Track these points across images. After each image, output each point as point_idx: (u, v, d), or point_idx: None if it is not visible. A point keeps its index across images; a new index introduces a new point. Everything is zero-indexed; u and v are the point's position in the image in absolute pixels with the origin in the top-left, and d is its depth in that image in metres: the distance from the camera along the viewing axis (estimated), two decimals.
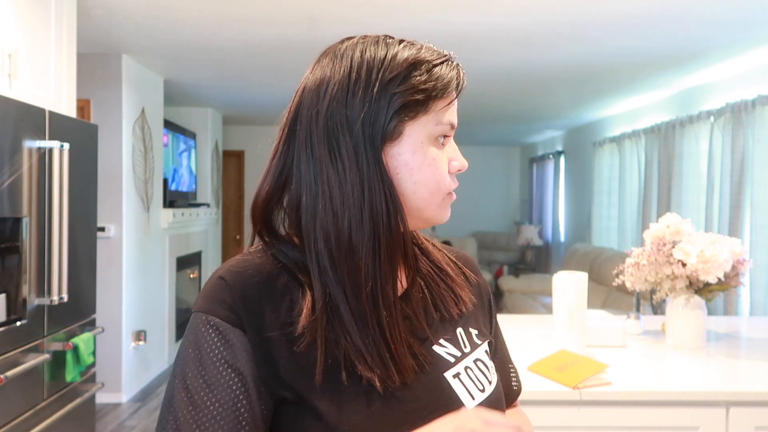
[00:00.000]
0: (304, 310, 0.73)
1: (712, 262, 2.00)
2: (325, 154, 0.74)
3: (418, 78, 0.75)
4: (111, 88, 4.21)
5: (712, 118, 4.33)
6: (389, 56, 0.76)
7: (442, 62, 0.78)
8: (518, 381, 1.00)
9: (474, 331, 0.87)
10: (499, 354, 0.96)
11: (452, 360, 0.80)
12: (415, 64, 0.76)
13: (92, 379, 2.79)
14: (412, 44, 0.79)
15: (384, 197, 0.74)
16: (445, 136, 0.79)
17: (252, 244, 0.82)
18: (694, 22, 3.24)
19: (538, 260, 8.86)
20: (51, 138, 2.39)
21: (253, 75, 4.73)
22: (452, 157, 0.80)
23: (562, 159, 8.07)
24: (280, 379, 0.72)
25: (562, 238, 8.06)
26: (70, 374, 2.53)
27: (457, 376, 0.79)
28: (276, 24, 3.38)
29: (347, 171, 0.73)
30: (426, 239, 0.91)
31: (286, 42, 3.70)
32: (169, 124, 5.34)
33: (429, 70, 0.76)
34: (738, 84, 4.20)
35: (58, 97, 2.74)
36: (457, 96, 0.79)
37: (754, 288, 3.81)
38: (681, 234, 2.13)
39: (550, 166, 8.43)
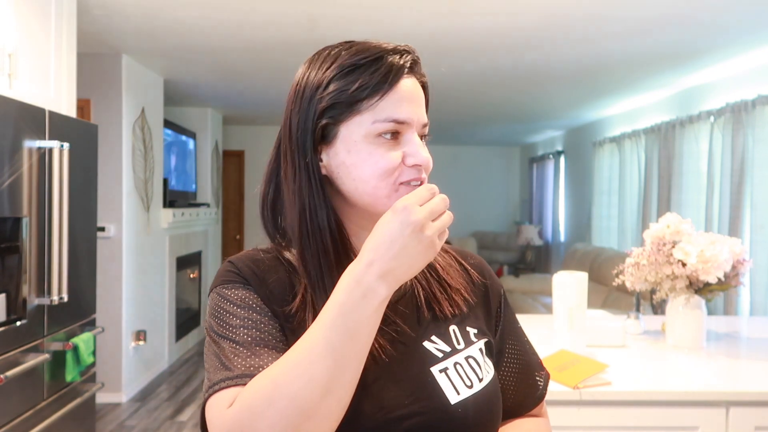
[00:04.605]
0: (299, 295, 0.81)
1: (712, 262, 2.00)
2: (284, 160, 0.84)
3: (339, 81, 0.79)
4: (111, 88, 4.21)
5: (712, 118, 4.33)
6: (319, 64, 0.81)
7: (373, 59, 0.79)
8: (544, 386, 0.96)
9: (472, 330, 0.88)
10: (520, 358, 0.95)
11: (440, 356, 0.83)
12: (339, 69, 0.79)
13: (92, 379, 2.79)
14: (352, 45, 0.81)
15: (314, 198, 0.81)
16: (394, 132, 0.79)
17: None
18: (694, 22, 3.24)
19: (538, 260, 8.85)
20: (51, 138, 2.39)
21: (253, 75, 4.72)
22: (408, 152, 0.80)
23: (562, 159, 8.07)
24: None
25: (562, 238, 8.06)
26: (70, 374, 2.53)
27: (444, 371, 0.82)
28: (276, 24, 3.38)
29: (292, 176, 0.82)
30: None
31: (286, 42, 3.70)
32: (169, 124, 5.34)
33: (350, 72, 0.79)
34: (738, 84, 4.20)
35: (58, 97, 2.73)
36: (389, 87, 0.78)
37: (754, 288, 3.80)
38: (681, 234, 2.13)
39: (550, 166, 8.43)
